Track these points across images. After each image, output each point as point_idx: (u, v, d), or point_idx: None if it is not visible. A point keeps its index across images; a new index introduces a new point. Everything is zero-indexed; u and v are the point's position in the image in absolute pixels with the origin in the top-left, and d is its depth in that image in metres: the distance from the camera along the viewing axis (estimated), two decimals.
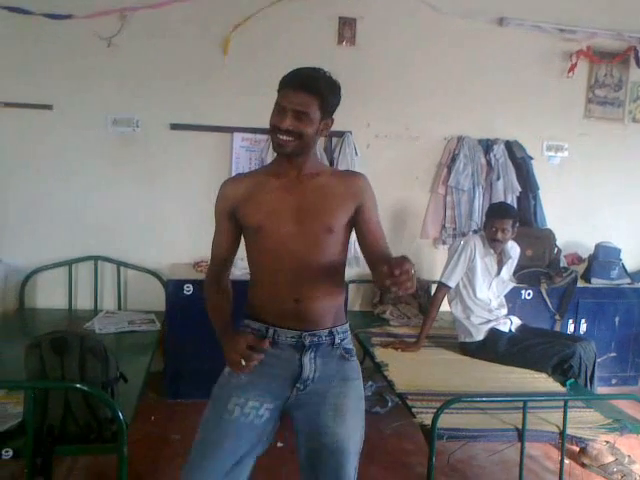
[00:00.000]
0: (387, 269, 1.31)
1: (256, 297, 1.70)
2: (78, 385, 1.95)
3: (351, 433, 1.65)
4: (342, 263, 1.72)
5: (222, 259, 1.77)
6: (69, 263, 3.75)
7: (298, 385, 1.65)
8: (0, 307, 3.67)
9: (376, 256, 1.68)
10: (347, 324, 1.75)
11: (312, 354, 1.65)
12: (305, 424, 1.66)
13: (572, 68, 4.14)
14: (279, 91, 1.60)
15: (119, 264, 3.80)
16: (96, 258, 3.78)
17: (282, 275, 1.62)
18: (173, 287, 3.41)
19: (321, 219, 1.62)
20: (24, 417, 1.97)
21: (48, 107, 3.64)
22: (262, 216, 1.62)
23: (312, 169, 1.69)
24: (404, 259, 1.33)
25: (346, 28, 3.88)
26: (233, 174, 3.45)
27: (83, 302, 3.82)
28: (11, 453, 1.95)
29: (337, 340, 1.68)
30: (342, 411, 1.64)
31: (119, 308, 3.83)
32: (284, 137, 1.57)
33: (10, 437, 2.00)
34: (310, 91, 1.55)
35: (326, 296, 1.66)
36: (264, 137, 3.69)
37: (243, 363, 1.54)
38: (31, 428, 1.91)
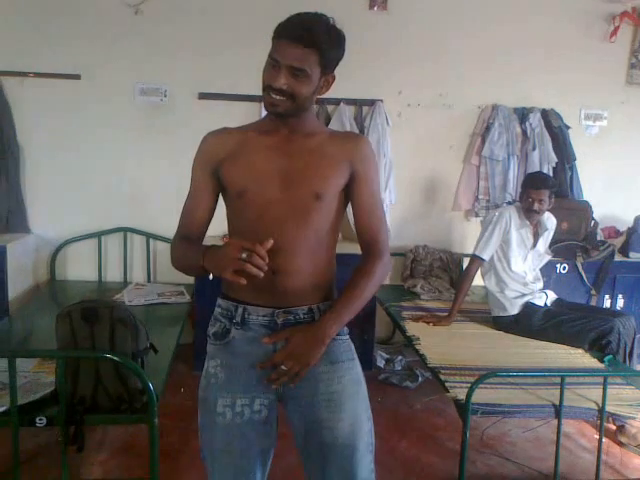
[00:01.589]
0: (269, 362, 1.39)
1: None
2: (108, 355, 1.94)
3: (355, 426, 1.44)
4: (332, 236, 1.49)
5: (196, 224, 1.50)
6: (98, 235, 3.77)
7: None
8: (32, 278, 3.71)
9: (364, 242, 1.50)
10: (332, 301, 1.49)
11: None
12: (299, 420, 1.46)
13: (615, 32, 3.96)
14: (273, 40, 1.38)
15: (148, 236, 3.81)
16: (125, 230, 3.79)
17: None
18: None
19: (309, 184, 1.41)
20: (56, 386, 1.98)
21: (76, 77, 3.63)
22: (247, 178, 1.42)
23: (307, 129, 1.47)
24: (285, 353, 1.37)
25: None
26: None
27: (112, 274, 3.85)
28: (45, 421, 1.97)
29: (317, 318, 1.45)
30: (338, 401, 1.43)
31: (148, 280, 3.85)
32: (277, 97, 1.36)
33: (43, 406, 2.01)
34: (309, 44, 1.34)
35: (309, 270, 1.43)
36: None
37: (244, 256, 1.21)
38: (63, 396, 1.92)
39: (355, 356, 1.52)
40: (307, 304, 1.44)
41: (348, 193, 1.49)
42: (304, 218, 1.41)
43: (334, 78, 1.46)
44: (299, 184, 1.41)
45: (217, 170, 1.46)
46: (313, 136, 1.47)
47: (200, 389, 1.50)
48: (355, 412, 1.45)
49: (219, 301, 1.51)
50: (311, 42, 1.34)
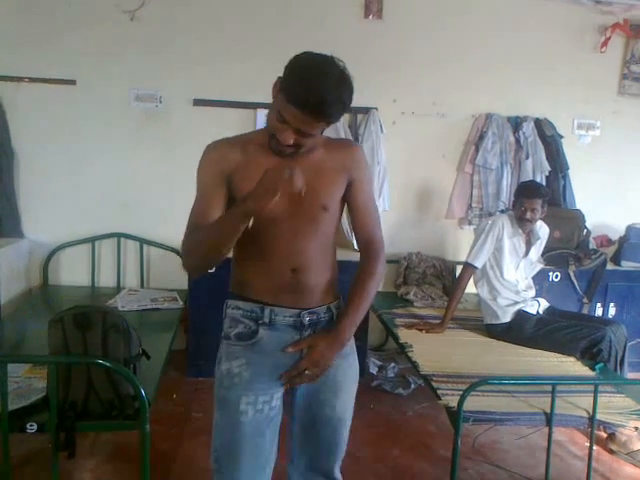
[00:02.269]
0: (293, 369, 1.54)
1: (247, 272, 1.56)
2: (100, 360, 1.94)
3: (348, 405, 1.67)
4: (334, 238, 1.63)
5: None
6: (92, 240, 3.76)
7: None
8: (24, 283, 3.69)
9: (362, 241, 1.64)
10: (340, 299, 1.66)
11: (311, 332, 1.57)
12: (305, 397, 1.62)
13: (605, 42, 4.00)
14: (284, 99, 1.36)
15: (142, 241, 3.80)
16: (119, 235, 3.78)
17: (278, 247, 1.51)
18: None
19: (317, 198, 1.51)
20: (47, 392, 1.97)
21: (72, 82, 3.63)
22: None
23: None
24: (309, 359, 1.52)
25: (373, 1, 3.77)
26: None
27: (106, 279, 3.84)
28: (35, 427, 1.96)
29: (334, 317, 1.61)
30: (341, 386, 1.63)
31: (142, 286, 3.84)
32: (285, 148, 1.44)
33: (34, 411, 2.01)
34: (322, 119, 1.38)
35: (321, 268, 1.57)
36: None
37: (287, 174, 1.28)
38: (54, 403, 1.92)
39: (354, 350, 1.70)
40: (325, 304, 1.59)
41: (345, 198, 1.61)
42: (313, 228, 1.53)
43: None
44: (307, 198, 1.46)
45: (228, 180, 1.50)
46: (313, 149, 1.53)
47: (221, 388, 1.56)
48: (350, 394, 1.67)
49: (238, 303, 1.56)
50: (325, 119, 1.39)
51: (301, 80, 1.34)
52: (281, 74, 1.42)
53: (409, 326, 3.28)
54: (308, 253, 1.53)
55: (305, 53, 1.40)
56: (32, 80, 3.59)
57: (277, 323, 1.53)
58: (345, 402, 1.66)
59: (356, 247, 1.71)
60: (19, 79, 3.58)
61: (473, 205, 4.04)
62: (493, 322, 3.18)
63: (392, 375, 3.67)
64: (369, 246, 1.63)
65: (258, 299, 1.53)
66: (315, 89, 1.33)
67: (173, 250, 3.78)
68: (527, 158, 3.99)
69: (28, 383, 2.20)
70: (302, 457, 1.70)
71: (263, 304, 1.53)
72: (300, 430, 1.67)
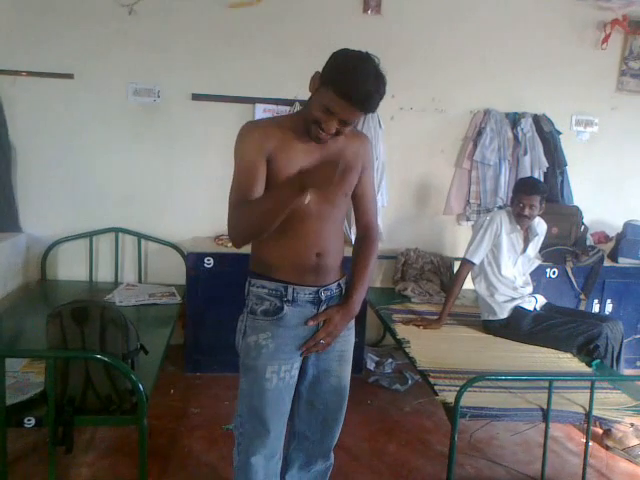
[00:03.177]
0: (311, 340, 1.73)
1: (273, 255, 1.69)
2: (98, 355, 1.94)
3: (349, 372, 1.88)
4: (344, 221, 1.84)
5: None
6: (90, 235, 3.76)
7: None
8: (22, 278, 3.69)
9: (363, 225, 1.85)
10: (345, 276, 1.83)
11: (326, 306, 1.75)
12: (313, 368, 1.81)
13: (606, 39, 3.99)
14: (330, 91, 1.50)
15: (140, 236, 3.80)
16: (117, 230, 3.78)
17: (305, 233, 1.66)
18: (194, 260, 3.39)
19: (342, 184, 1.68)
20: (45, 387, 1.97)
21: (69, 76, 3.61)
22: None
23: None
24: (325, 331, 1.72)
25: None
26: None
27: (104, 274, 3.84)
28: (33, 422, 1.97)
29: (343, 292, 1.80)
30: (346, 356, 1.85)
31: (140, 281, 3.84)
32: (324, 134, 1.58)
33: (32, 406, 2.01)
34: (365, 110, 1.55)
35: (336, 249, 1.75)
36: (286, 108, 3.63)
37: (342, 165, 1.47)
38: (52, 397, 1.92)
39: (354, 322, 1.86)
40: (336, 280, 1.77)
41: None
42: (335, 211, 1.72)
43: None
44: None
45: (270, 158, 1.60)
46: (336, 138, 1.65)
47: (249, 358, 1.71)
48: (350, 363, 1.88)
49: (263, 282, 1.70)
50: (367, 110, 1.56)
51: (348, 75, 1.49)
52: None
53: (406, 322, 3.29)
54: (329, 237, 1.71)
55: (343, 50, 1.55)
56: (29, 74, 3.57)
57: (299, 300, 1.70)
58: (347, 371, 1.86)
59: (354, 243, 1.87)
60: (16, 73, 3.56)
61: (471, 201, 4.05)
62: (490, 318, 3.19)
63: (389, 371, 3.68)
64: (369, 231, 1.85)
65: (283, 279, 1.68)
66: (361, 83, 1.50)
67: (171, 245, 3.78)
68: (525, 154, 3.99)
69: (26, 378, 2.20)
70: (306, 438, 1.90)
71: (287, 283, 1.68)
72: (306, 406, 1.84)
